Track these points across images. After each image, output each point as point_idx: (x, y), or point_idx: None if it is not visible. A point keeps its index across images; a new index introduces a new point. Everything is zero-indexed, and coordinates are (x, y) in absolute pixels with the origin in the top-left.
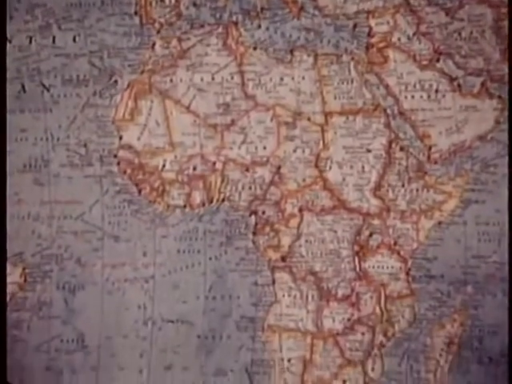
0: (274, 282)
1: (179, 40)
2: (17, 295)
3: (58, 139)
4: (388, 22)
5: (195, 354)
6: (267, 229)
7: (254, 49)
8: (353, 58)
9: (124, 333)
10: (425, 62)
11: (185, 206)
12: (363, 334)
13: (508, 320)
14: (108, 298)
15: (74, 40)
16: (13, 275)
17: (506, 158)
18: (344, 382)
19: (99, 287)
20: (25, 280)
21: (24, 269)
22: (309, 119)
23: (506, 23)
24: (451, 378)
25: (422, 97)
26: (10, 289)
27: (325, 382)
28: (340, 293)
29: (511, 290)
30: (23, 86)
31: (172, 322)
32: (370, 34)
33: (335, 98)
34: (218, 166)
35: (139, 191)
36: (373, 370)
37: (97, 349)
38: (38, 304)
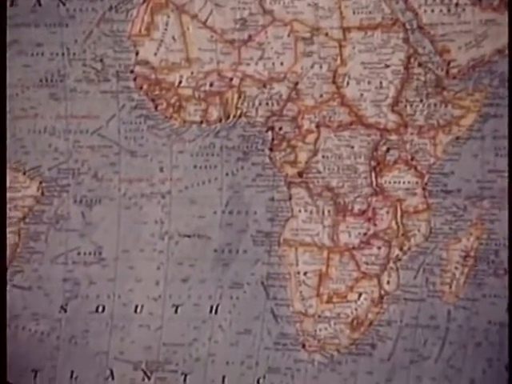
0: (290, 197)
1: None
2: (34, 208)
3: (74, 54)
4: None
5: (211, 267)
6: (284, 144)
7: None
8: None
9: (141, 246)
10: None
11: (201, 122)
12: (379, 248)
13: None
14: (125, 212)
15: None
16: (30, 189)
17: None
18: (360, 294)
19: (116, 202)
20: (42, 194)
21: (41, 182)
22: (326, 34)
23: None
24: (466, 290)
25: (441, 11)
26: (27, 202)
27: (340, 294)
28: (356, 208)
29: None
30: (38, 0)
31: (188, 236)
32: None
33: (353, 12)
34: (235, 82)
35: (156, 107)
36: (388, 283)
37: (114, 261)
38: (55, 217)
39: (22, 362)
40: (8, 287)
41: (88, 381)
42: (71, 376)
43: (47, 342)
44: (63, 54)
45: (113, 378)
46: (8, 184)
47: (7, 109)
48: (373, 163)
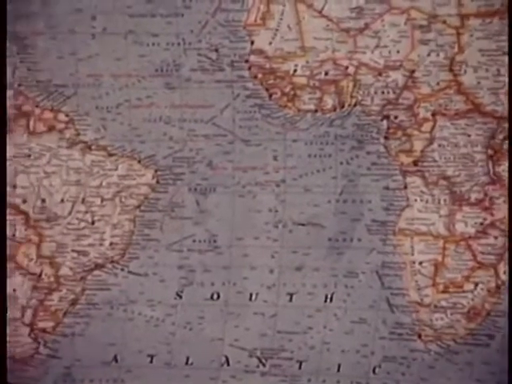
0: (405, 186)
1: None
2: (149, 196)
3: (190, 44)
4: None
5: (326, 255)
6: (399, 133)
7: None
8: None
9: (255, 234)
10: None
11: (316, 111)
12: (496, 237)
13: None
14: (239, 200)
15: None
16: (145, 177)
17: None
18: (476, 284)
19: (230, 190)
20: (157, 182)
21: (156, 171)
22: (444, 22)
23: None
24: None
25: None
26: (142, 190)
27: (456, 284)
28: (473, 197)
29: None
30: None
31: (303, 224)
32: None
33: None
34: (351, 70)
35: (270, 96)
36: (505, 273)
37: (228, 249)
38: (170, 205)
39: (138, 346)
40: (124, 273)
41: (203, 367)
42: (187, 362)
43: (163, 327)
44: (179, 44)
45: (228, 365)
46: (124, 172)
47: (7, 109)
48: (490, 152)
